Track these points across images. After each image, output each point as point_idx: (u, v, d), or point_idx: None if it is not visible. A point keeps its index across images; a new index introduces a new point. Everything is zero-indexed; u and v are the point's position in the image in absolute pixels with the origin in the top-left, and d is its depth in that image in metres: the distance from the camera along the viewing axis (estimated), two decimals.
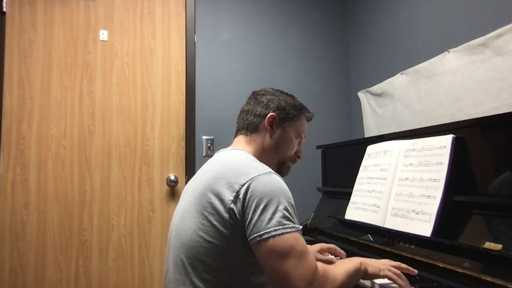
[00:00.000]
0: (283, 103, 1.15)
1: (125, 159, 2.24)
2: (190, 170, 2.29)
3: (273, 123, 1.13)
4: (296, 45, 2.58)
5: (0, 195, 2.05)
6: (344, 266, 1.00)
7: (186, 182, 2.27)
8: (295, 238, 0.91)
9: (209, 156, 2.33)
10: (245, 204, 0.92)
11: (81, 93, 2.20)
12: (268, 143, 1.13)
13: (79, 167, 2.17)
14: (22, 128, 2.11)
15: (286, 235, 0.90)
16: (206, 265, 0.95)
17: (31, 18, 2.16)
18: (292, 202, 0.96)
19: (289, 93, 1.22)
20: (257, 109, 1.14)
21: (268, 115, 1.13)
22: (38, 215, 2.10)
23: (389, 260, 1.11)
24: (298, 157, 1.22)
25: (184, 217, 1.02)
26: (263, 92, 1.19)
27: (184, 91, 2.35)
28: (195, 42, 2.37)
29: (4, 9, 2.11)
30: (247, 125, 1.15)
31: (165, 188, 2.28)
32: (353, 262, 1.02)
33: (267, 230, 0.89)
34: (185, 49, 2.36)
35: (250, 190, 0.93)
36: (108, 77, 2.25)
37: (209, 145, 2.35)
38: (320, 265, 0.94)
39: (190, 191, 1.07)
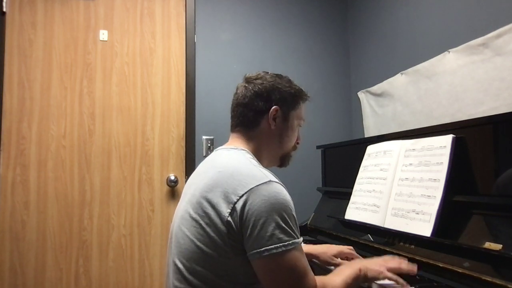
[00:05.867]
0: (283, 93, 1.08)
1: (125, 159, 2.24)
2: (190, 170, 2.29)
3: (276, 116, 1.07)
4: (296, 45, 2.58)
5: (0, 195, 2.05)
6: (342, 274, 0.98)
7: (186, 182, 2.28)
8: (296, 257, 0.88)
9: None
10: (244, 217, 0.88)
11: (81, 93, 2.20)
12: (271, 138, 1.08)
13: (79, 167, 2.17)
14: (22, 128, 2.11)
15: (287, 254, 0.87)
16: (204, 275, 0.92)
17: (31, 18, 2.16)
18: (293, 212, 0.92)
19: (282, 75, 1.13)
20: (258, 103, 1.06)
21: (271, 109, 1.06)
22: (38, 215, 2.10)
23: (391, 257, 1.09)
24: (298, 143, 1.16)
25: (183, 224, 0.98)
26: (260, 81, 1.08)
27: (184, 91, 2.35)
28: (195, 42, 2.37)
29: (4, 9, 2.11)
30: (247, 121, 1.07)
31: (165, 188, 2.28)
32: (352, 269, 1.00)
33: (267, 247, 0.86)
34: (185, 49, 2.36)
35: (248, 203, 0.88)
36: (108, 77, 2.25)
37: (209, 145, 2.35)
38: (318, 280, 0.92)
39: (188, 196, 1.03)
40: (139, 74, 2.30)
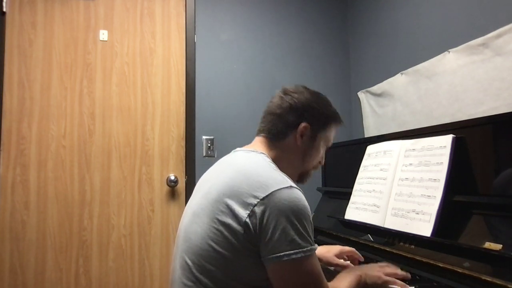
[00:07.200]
0: (317, 113, 1.07)
1: (125, 159, 2.24)
2: (190, 170, 2.29)
3: (304, 133, 1.06)
4: (296, 45, 2.58)
5: (0, 195, 2.05)
6: (347, 280, 1.00)
7: (186, 182, 2.28)
8: (313, 264, 0.89)
9: (209, 156, 2.33)
10: (264, 220, 0.87)
11: (81, 93, 2.20)
12: (294, 153, 1.07)
13: (79, 167, 2.17)
14: (22, 128, 2.11)
15: (305, 261, 0.87)
16: (213, 274, 0.91)
17: (31, 18, 2.16)
18: (311, 218, 0.92)
19: (322, 95, 1.13)
20: (290, 117, 1.05)
21: (302, 126, 1.05)
22: (38, 215, 2.10)
23: (386, 263, 1.12)
24: (320, 163, 1.15)
25: (194, 221, 0.97)
26: (297, 95, 1.07)
27: (184, 91, 2.35)
28: (195, 42, 2.37)
29: (4, 9, 2.11)
30: (275, 131, 1.06)
31: (165, 188, 2.28)
32: (354, 275, 1.02)
33: (287, 253, 0.86)
34: (185, 49, 2.36)
35: (269, 206, 0.87)
36: (108, 77, 2.25)
37: (209, 145, 2.35)
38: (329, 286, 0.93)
39: (202, 192, 1.01)
40: (139, 74, 2.30)
